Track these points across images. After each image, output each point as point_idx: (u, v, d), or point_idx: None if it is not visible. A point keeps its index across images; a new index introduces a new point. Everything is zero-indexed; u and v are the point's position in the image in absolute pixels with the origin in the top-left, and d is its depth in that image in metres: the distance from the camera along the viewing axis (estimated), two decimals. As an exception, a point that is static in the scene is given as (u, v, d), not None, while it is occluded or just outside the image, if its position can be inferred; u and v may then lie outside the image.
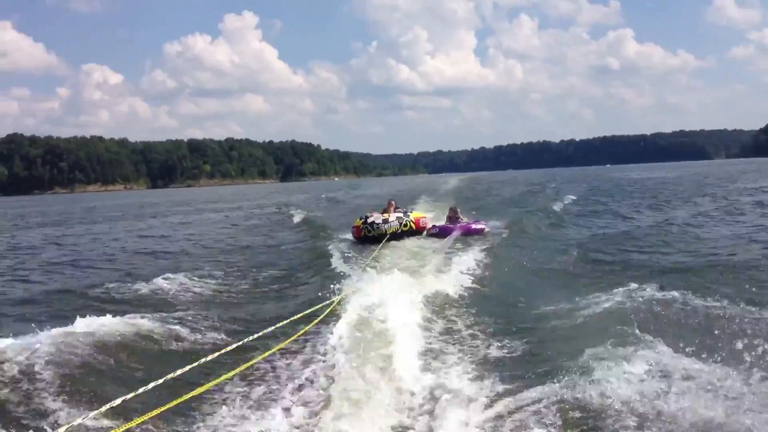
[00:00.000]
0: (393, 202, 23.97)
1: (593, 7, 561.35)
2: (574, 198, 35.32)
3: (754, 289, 10.90)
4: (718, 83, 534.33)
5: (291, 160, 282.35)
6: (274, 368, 8.15)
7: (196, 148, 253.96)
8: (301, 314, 9.64)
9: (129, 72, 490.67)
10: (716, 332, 8.21)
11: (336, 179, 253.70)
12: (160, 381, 6.22)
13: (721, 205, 30.23)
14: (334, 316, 9.88)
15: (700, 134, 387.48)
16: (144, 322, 9.84)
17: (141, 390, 6.01)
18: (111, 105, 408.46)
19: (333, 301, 10.75)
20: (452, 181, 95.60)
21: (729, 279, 12.16)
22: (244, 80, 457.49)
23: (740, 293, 10.51)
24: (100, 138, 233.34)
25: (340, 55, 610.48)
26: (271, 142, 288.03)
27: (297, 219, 33.80)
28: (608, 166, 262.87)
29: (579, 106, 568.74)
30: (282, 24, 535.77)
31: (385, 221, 21.56)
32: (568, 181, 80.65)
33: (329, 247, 19.89)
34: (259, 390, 7.46)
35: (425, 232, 22.07)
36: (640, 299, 10.06)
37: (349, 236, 22.68)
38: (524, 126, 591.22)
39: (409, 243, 20.29)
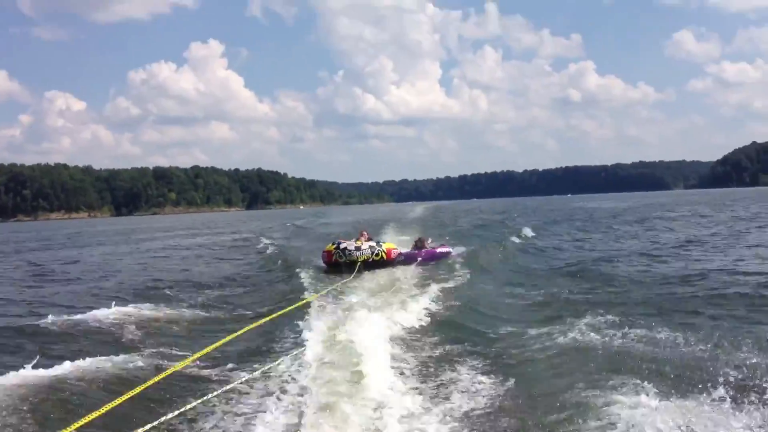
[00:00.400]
0: (365, 232, 23.94)
1: (555, 40, 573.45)
2: (530, 230, 37.10)
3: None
4: (677, 115, 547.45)
5: (257, 189, 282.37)
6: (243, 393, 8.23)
7: (161, 175, 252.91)
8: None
9: (92, 99, 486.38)
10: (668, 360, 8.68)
11: (301, 207, 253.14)
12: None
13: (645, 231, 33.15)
14: (300, 346, 9.97)
15: (659, 165, 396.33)
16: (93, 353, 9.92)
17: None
18: (73, 132, 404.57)
19: (300, 335, 10.86)
20: (418, 209, 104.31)
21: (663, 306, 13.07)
22: (209, 108, 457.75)
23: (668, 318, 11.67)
24: (65, 165, 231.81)
25: (306, 84, 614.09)
26: (237, 170, 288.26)
27: (265, 247, 34.43)
28: (569, 195, 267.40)
29: (542, 137, 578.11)
30: (248, 52, 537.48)
31: (357, 248, 21.63)
32: (528, 211, 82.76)
33: (300, 275, 19.96)
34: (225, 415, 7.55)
35: (394, 262, 22.05)
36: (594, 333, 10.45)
37: (320, 262, 22.69)
38: (489, 156, 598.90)
39: (380, 272, 20.45)
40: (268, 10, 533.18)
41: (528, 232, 35.89)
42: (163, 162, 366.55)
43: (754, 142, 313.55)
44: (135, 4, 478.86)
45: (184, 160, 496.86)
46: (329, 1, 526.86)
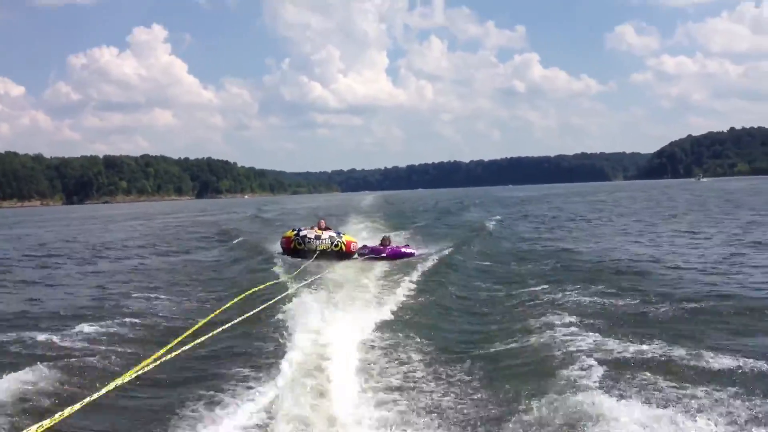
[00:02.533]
0: (323, 221, 23.65)
1: (500, 31, 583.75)
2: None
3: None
4: (619, 107, 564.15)
5: (207, 177, 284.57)
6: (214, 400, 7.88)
7: (111, 164, 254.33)
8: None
9: (31, 84, 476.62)
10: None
11: (246, 197, 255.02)
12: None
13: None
14: (271, 355, 9.64)
15: (600, 156, 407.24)
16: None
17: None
18: (11, 118, 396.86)
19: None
20: (369, 198, 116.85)
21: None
22: (151, 94, 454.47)
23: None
24: (15, 153, 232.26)
25: (251, 71, 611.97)
26: (187, 159, 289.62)
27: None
28: (510, 186, 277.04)
29: (488, 127, 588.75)
30: (192, 38, 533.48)
31: (317, 237, 21.45)
32: (463, 198, 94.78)
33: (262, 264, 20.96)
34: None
35: (355, 254, 21.94)
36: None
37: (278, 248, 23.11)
38: (435, 145, 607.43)
39: (343, 267, 19.86)
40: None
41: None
42: (104, 149, 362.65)
43: (689, 135, 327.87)
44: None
45: (126, 147, 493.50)
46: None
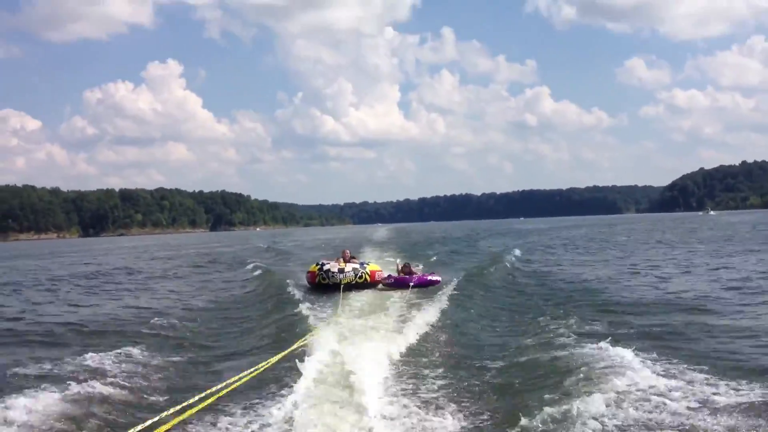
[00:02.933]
0: (347, 252, 23.86)
1: (510, 65, 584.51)
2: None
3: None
4: (630, 141, 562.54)
5: (221, 210, 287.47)
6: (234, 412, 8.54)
7: (127, 197, 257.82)
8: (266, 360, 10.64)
9: (48, 119, 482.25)
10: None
11: (258, 229, 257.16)
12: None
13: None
14: (294, 371, 9.99)
15: (612, 189, 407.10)
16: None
17: None
18: (28, 152, 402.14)
19: (296, 350, 11.42)
20: (382, 230, 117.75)
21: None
22: (166, 128, 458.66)
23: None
24: (33, 187, 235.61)
25: (264, 105, 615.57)
26: (201, 192, 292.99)
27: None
28: (522, 219, 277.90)
29: (500, 160, 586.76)
30: (206, 73, 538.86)
31: (341, 270, 21.47)
32: (473, 231, 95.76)
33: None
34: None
35: (380, 284, 21.88)
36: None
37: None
38: (447, 178, 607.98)
39: (369, 295, 20.43)
40: (226, 32, 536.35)
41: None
42: (119, 183, 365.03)
43: (701, 168, 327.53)
44: (91, 24, 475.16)
45: (141, 181, 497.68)
46: (287, 24, 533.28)
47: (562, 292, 20.11)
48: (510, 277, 25.67)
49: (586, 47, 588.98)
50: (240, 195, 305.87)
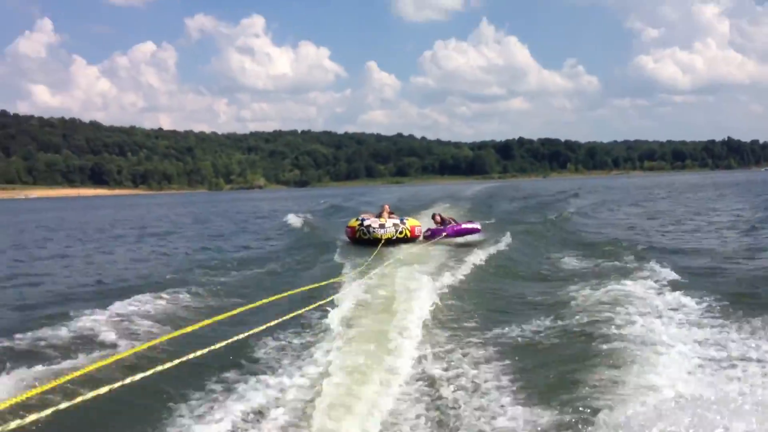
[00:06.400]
0: (387, 206, 23.63)
1: None
2: None
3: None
4: None
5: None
6: (268, 344, 8.91)
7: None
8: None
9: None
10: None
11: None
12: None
13: None
14: (332, 302, 10.76)
15: None
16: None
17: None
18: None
19: (334, 285, 12.13)
20: None
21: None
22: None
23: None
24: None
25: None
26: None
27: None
28: None
29: None
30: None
31: (381, 226, 21.55)
32: None
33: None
34: (257, 361, 8.26)
35: (419, 238, 22.04)
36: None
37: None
38: None
39: (406, 247, 20.47)
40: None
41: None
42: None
43: None
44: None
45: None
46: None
47: None
48: None
49: None
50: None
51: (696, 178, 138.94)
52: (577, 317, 9.73)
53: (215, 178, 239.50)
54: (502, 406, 6.67)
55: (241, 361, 8.15)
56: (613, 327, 8.89)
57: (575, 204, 42.55)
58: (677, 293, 10.87)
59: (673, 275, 12.57)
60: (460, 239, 21.07)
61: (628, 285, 11.63)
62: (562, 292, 12.00)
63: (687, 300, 10.41)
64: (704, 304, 10.16)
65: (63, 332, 9.56)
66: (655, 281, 12.13)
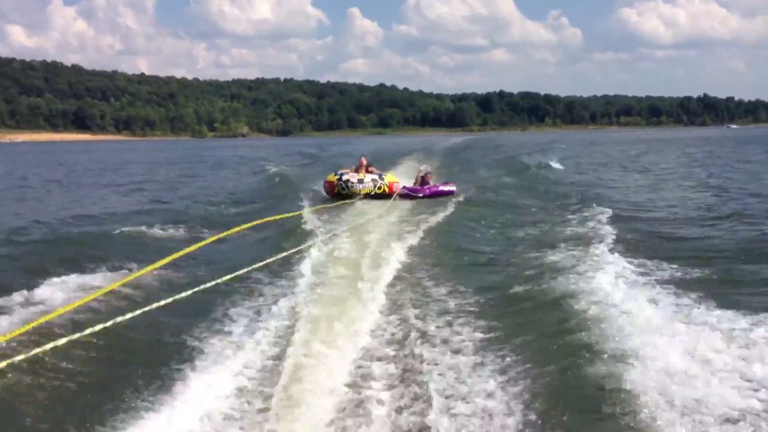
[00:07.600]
0: (364, 159, 23.23)
1: None
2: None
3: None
4: None
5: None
6: (241, 300, 8.97)
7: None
8: (272, 259, 10.15)
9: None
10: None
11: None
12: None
13: None
14: (301, 263, 10.75)
15: None
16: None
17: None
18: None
19: (305, 247, 11.79)
20: None
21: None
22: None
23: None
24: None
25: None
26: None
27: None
28: None
29: None
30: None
31: (360, 181, 21.39)
32: None
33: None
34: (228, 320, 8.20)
35: (394, 195, 21.41)
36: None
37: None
38: None
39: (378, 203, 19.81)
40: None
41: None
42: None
43: None
44: None
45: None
46: None
47: None
48: None
49: None
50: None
51: (667, 134, 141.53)
52: (549, 277, 9.86)
53: (198, 126, 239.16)
54: (476, 365, 6.74)
55: (208, 314, 8.33)
56: (572, 285, 9.10)
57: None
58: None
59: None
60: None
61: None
62: (526, 244, 13.09)
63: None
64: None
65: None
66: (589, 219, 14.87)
